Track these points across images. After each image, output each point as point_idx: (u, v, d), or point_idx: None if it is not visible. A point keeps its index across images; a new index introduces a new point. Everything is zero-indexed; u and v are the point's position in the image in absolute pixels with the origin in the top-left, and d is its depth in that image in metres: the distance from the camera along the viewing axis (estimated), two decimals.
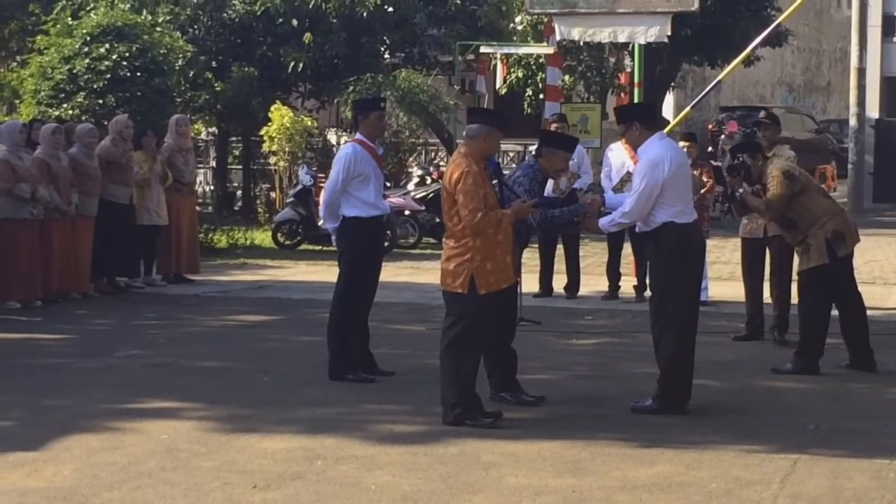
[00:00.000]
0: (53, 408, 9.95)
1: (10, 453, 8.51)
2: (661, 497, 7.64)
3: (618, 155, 16.16)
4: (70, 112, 21.29)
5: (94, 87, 21.66)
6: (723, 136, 30.32)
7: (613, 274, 16.45)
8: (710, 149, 32.10)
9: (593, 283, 16.99)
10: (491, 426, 9.29)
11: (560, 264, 16.27)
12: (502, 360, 10.19)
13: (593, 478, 8.03)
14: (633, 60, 21.50)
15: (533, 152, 11.25)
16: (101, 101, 21.48)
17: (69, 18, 23.79)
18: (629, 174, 15.82)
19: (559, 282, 16.33)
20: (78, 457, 8.45)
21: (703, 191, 15.62)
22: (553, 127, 16.39)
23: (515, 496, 7.64)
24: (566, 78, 27.34)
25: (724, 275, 18.44)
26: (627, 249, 16.23)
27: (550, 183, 11.67)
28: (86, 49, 22.08)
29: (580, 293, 16.44)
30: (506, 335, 10.25)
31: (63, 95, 21.83)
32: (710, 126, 35.86)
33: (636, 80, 20.06)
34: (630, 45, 22.94)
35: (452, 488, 7.79)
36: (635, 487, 7.82)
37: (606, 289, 16.44)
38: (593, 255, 19.52)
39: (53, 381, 11.01)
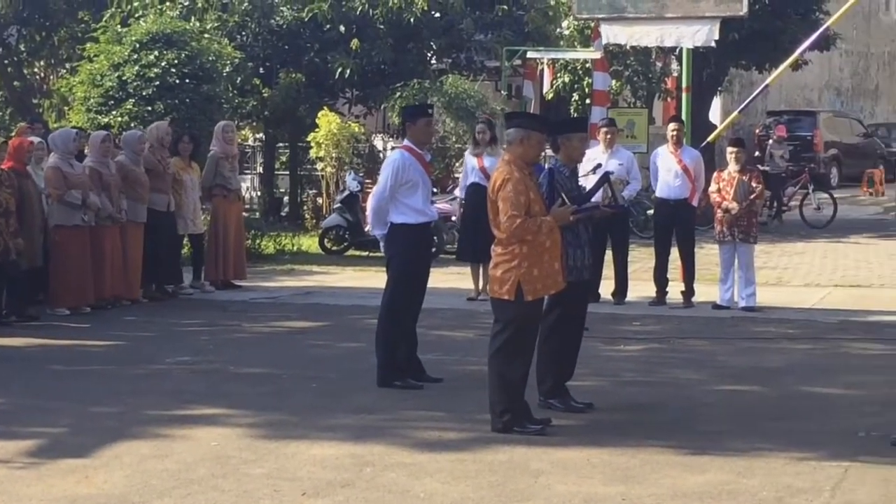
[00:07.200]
0: (103, 414, 10.01)
1: (60, 460, 8.56)
2: None
3: (664, 160, 16.13)
4: (119, 119, 21.34)
5: (144, 93, 21.71)
6: (770, 141, 30.19)
7: (661, 280, 16.38)
8: (756, 153, 31.93)
9: (640, 288, 16.90)
10: (539, 433, 9.27)
11: (608, 269, 16.18)
12: (559, 366, 10.17)
13: (643, 485, 8.00)
14: (680, 65, 21.41)
15: (550, 158, 11.06)
16: (150, 108, 21.50)
17: (118, 26, 23.91)
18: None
19: (606, 287, 16.26)
20: (128, 464, 8.48)
21: (752, 196, 15.56)
22: (603, 132, 16.35)
23: None
24: (613, 83, 27.28)
25: (770, 280, 18.37)
26: (674, 255, 16.17)
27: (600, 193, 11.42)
28: (135, 56, 22.12)
29: (627, 299, 16.39)
30: (570, 341, 10.24)
31: (112, 102, 21.88)
32: (756, 130, 35.67)
33: (684, 84, 19.98)
34: (677, 50, 22.87)
35: (502, 496, 7.77)
36: (686, 495, 7.78)
37: (654, 294, 16.39)
38: (640, 261, 19.43)
39: (103, 388, 11.07)
